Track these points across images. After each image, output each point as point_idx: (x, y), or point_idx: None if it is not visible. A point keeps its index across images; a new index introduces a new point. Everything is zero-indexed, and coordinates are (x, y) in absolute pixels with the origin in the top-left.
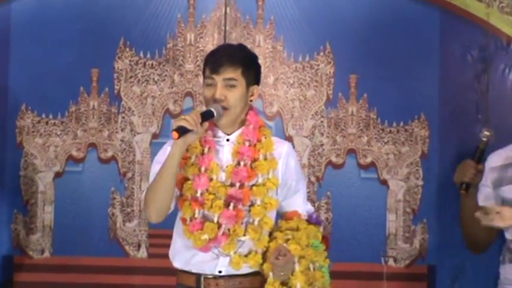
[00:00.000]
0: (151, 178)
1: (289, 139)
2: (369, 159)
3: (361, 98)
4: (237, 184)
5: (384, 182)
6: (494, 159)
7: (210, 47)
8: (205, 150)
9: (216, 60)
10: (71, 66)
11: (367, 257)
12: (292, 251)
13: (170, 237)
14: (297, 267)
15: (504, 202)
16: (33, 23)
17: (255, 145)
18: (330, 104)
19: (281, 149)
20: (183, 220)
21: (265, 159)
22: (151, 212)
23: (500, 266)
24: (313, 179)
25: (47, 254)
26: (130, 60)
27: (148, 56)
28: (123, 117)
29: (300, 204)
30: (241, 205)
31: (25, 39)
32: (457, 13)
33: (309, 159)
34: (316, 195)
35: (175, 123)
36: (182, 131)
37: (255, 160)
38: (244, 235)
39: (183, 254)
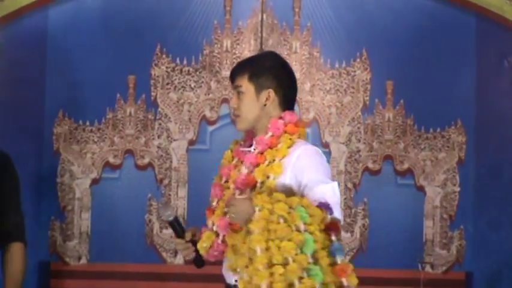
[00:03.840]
0: None
1: (325, 145)
2: (405, 166)
3: (397, 104)
4: (237, 192)
5: (421, 188)
6: None
7: (246, 54)
8: (234, 160)
9: (231, 71)
10: (107, 73)
11: (404, 264)
12: (254, 199)
13: None
14: (257, 212)
15: None
16: (69, 31)
17: (262, 152)
18: (366, 110)
19: (294, 153)
20: None
21: (268, 165)
22: None
23: None
24: (349, 185)
25: (83, 260)
26: (166, 67)
27: (185, 62)
28: (160, 124)
29: (316, 200)
30: None
31: (62, 47)
32: (493, 19)
33: (345, 165)
34: (352, 201)
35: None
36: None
37: (257, 166)
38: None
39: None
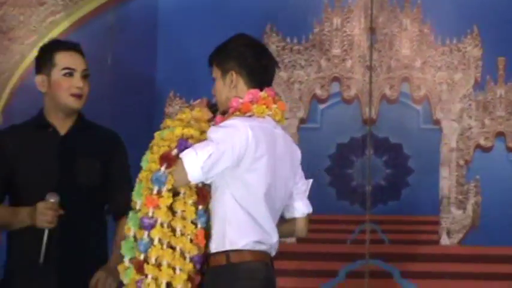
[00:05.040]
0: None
1: (437, 122)
2: None
3: (509, 80)
4: None
5: None
6: None
7: (356, 32)
8: None
9: None
10: None
11: None
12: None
13: None
14: None
15: None
16: (180, 10)
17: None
18: (477, 87)
19: None
20: None
21: None
22: None
23: None
24: (461, 162)
25: None
26: (277, 46)
27: (295, 41)
28: None
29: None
30: None
31: (172, 27)
32: None
33: (457, 142)
34: (464, 178)
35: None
36: None
37: None
38: None
39: None
